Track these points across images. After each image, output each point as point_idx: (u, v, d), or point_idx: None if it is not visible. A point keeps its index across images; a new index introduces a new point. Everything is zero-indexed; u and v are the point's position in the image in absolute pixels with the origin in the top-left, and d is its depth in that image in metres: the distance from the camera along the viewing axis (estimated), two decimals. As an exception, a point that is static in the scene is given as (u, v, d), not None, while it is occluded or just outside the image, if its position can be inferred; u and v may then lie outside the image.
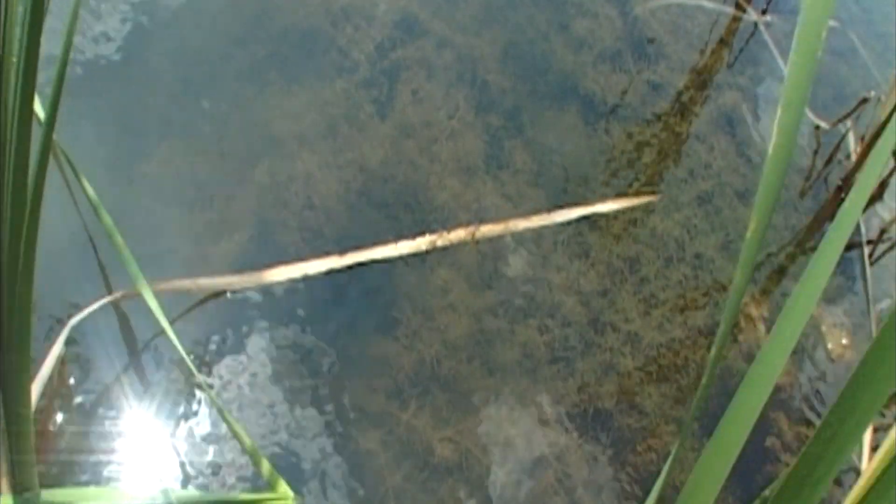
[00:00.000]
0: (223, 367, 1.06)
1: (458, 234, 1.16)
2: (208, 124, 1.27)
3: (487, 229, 1.18)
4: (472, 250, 1.19)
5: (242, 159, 1.25)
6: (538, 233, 1.24)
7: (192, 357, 1.05)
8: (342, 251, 1.17)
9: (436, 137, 1.30)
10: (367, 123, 1.30)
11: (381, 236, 1.20)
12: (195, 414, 1.03)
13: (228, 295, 1.10)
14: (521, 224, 1.20)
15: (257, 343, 1.08)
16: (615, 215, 1.28)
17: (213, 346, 1.07)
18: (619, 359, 1.16)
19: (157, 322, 1.01)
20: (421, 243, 1.15)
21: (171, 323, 1.05)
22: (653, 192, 1.25)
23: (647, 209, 1.30)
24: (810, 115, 1.44)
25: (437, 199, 1.24)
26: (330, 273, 1.14)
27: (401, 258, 1.17)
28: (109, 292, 1.08)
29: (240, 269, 1.13)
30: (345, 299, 1.13)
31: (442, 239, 1.15)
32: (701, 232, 1.30)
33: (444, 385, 1.09)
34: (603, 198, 1.26)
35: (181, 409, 1.03)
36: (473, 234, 1.16)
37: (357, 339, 1.11)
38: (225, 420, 0.96)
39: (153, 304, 0.97)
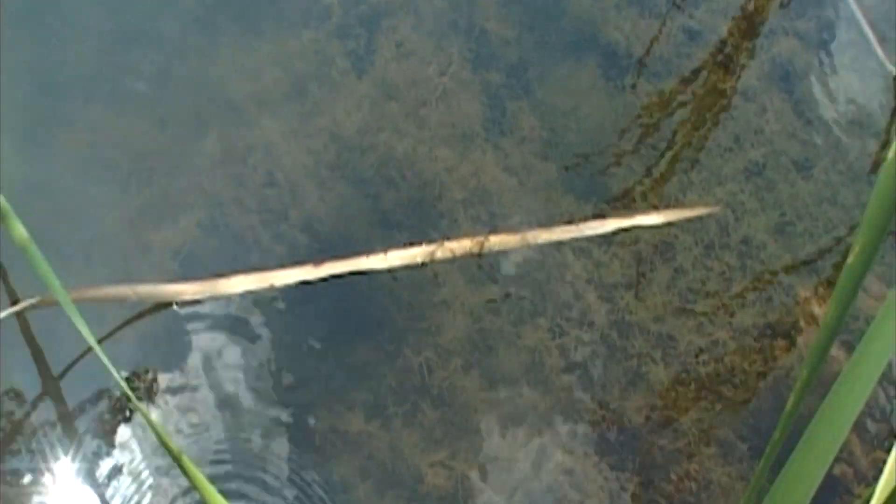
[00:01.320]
0: (168, 390, 1.07)
1: (463, 246, 1.16)
2: (145, 83, 1.26)
3: (499, 240, 1.17)
4: (467, 232, 1.18)
5: (188, 126, 1.24)
6: (548, 212, 1.24)
7: (128, 380, 1.05)
8: (312, 242, 1.16)
9: (424, 99, 1.30)
10: (341, 82, 1.29)
11: (357, 219, 1.20)
12: (132, 449, 1.02)
13: (175, 307, 1.11)
14: (542, 235, 1.19)
15: (210, 353, 1.09)
16: (643, 192, 1.27)
17: (155, 365, 1.08)
18: (649, 366, 1.15)
19: (81, 338, 0.92)
20: (416, 255, 1.14)
21: (100, 341, 1.02)
22: (711, 203, 1.25)
23: (682, 184, 1.29)
24: (888, 63, 1.40)
25: (427, 174, 1.24)
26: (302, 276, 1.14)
27: (385, 237, 1.16)
28: (14, 301, 1.05)
29: (190, 270, 1.15)
30: (316, 294, 1.14)
31: (442, 250, 1.15)
32: (749, 211, 1.28)
33: (436, 400, 1.09)
34: (646, 209, 1.24)
35: (115, 444, 1.02)
36: (482, 246, 1.15)
37: (330, 344, 1.11)
38: (170, 452, 0.93)
39: (75, 315, 0.89)
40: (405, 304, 1.14)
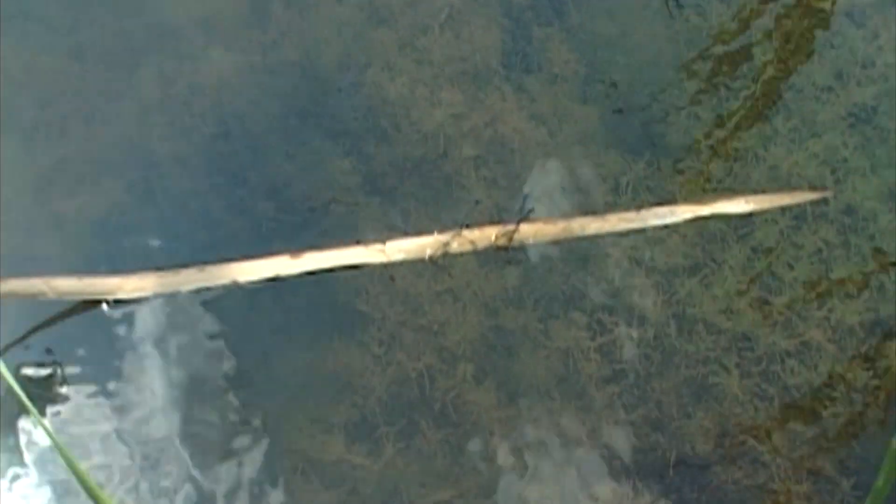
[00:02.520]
0: (93, 410, 1.03)
1: (486, 236, 1.12)
2: (60, 4, 1.22)
3: (533, 230, 1.14)
4: (483, 208, 1.14)
5: (115, 59, 1.20)
6: (587, 172, 1.18)
7: (40, 399, 1.02)
8: (279, 214, 1.13)
9: (425, 25, 1.25)
10: (315, 1, 1.25)
11: (336, 183, 1.16)
12: (44, 486, 1.00)
13: (105, 308, 1.07)
14: (591, 225, 1.15)
15: (150, 367, 1.06)
16: (711, 147, 1.19)
17: (78, 381, 1.04)
18: (719, 375, 1.08)
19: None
20: (425, 246, 1.12)
21: (4, 350, 1.00)
22: (820, 187, 1.18)
23: (764, 136, 1.21)
24: None
25: (428, 123, 1.19)
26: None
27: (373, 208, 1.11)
28: None
29: (116, 253, 1.10)
30: (286, 284, 1.09)
31: (459, 241, 1.12)
32: (854, 171, 1.21)
33: (439, 418, 1.02)
34: (726, 192, 1.18)
35: (20, 475, 1.00)
36: (510, 239, 1.12)
37: (303, 347, 1.07)
38: (88, 490, 0.88)
39: None
40: (399, 294, 1.08)
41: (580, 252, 1.15)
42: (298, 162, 1.16)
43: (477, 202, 1.16)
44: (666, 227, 1.17)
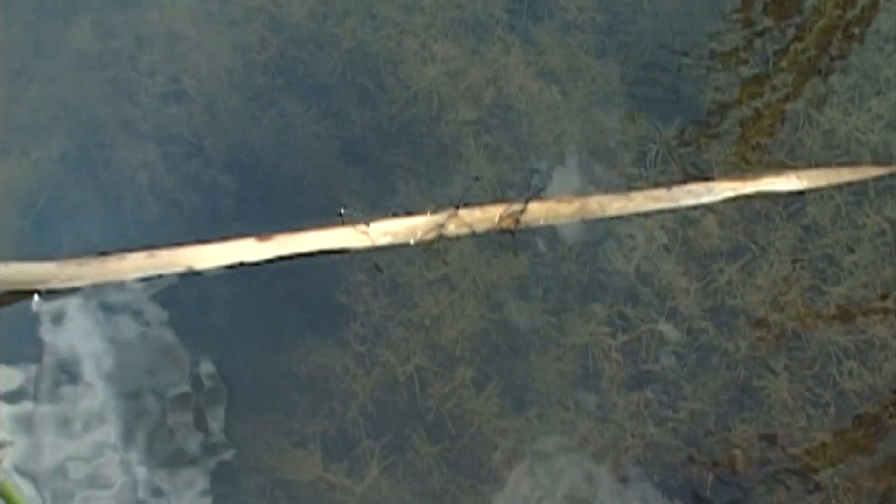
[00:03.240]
0: (18, 425, 1.00)
1: (488, 216, 1.09)
2: None
3: (543, 210, 1.11)
4: (485, 183, 1.10)
5: (47, 6, 1.17)
6: (606, 140, 1.13)
7: None
8: (241, 190, 1.11)
9: None
10: None
11: (310, 152, 1.13)
12: None
13: (36, 300, 1.03)
14: (613, 204, 1.10)
15: (87, 369, 1.05)
16: (753, 109, 1.14)
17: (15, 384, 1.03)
18: (765, 379, 1.03)
19: None
20: (416, 229, 1.08)
21: None
22: (885, 158, 1.13)
23: (817, 95, 1.16)
24: None
25: (419, 81, 1.17)
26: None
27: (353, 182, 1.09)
28: None
29: (50, 233, 1.08)
30: (252, 272, 1.06)
31: (456, 223, 1.07)
32: None
33: (433, 430, 1.00)
34: (773, 164, 1.14)
35: None
36: (517, 221, 1.08)
37: (272, 346, 1.03)
38: None
39: None
40: (385, 283, 1.04)
41: (599, 234, 1.13)
42: (265, 127, 1.15)
43: (477, 177, 1.12)
44: (701, 205, 1.12)
